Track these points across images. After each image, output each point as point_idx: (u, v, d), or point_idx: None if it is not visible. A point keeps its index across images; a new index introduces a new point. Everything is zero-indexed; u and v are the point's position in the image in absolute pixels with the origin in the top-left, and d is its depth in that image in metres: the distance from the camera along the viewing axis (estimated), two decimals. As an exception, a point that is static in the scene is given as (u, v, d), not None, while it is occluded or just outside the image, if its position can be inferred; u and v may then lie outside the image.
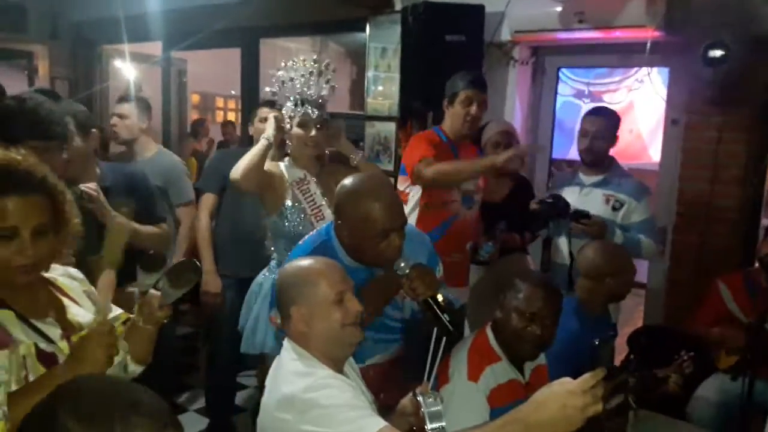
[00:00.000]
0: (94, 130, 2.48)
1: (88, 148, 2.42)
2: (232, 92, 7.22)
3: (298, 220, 2.57)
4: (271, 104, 3.28)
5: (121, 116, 3.36)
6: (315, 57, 2.63)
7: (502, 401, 1.96)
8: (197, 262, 1.61)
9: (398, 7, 3.92)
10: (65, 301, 1.52)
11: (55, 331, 1.42)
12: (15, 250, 1.33)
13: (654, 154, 5.55)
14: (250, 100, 5.03)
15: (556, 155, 4.16)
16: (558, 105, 4.12)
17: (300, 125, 2.54)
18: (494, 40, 3.71)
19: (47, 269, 1.47)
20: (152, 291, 1.54)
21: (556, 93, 4.05)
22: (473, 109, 2.80)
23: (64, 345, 1.43)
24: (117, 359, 1.45)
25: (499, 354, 2.06)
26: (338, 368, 1.61)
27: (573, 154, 4.26)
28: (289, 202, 2.57)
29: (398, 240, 1.82)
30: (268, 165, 2.61)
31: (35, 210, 1.35)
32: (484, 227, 3.08)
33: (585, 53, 3.82)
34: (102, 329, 1.37)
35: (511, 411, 1.35)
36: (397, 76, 3.91)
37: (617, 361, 2.65)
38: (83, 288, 1.60)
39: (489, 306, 2.19)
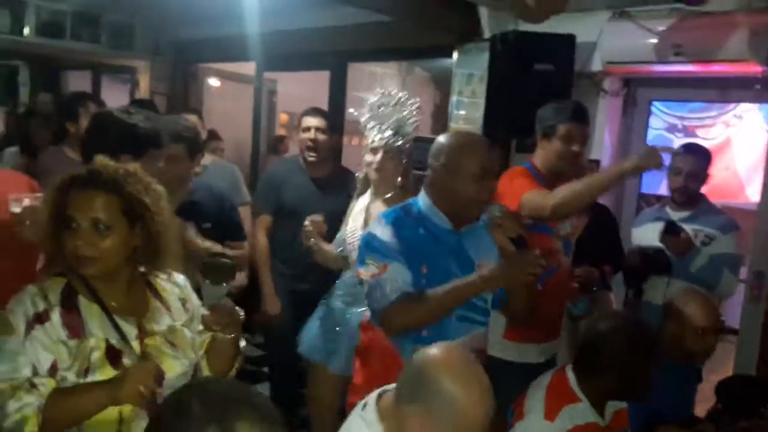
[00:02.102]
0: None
1: (191, 164, 2.57)
2: (317, 112, 7.39)
3: (341, 247, 2.67)
4: (318, 112, 3.37)
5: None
6: (404, 92, 2.69)
7: (579, 443, 1.90)
8: (230, 260, 1.66)
9: (486, 35, 3.92)
10: (156, 304, 1.60)
11: (132, 331, 1.51)
12: (76, 240, 1.44)
13: (752, 193, 5.26)
14: (336, 120, 5.14)
15: (645, 189, 4.00)
16: (649, 138, 3.98)
17: (371, 149, 2.60)
18: (584, 70, 3.64)
19: (114, 267, 1.51)
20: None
21: (647, 126, 3.92)
22: (576, 146, 2.50)
23: (136, 345, 1.51)
24: (182, 369, 1.55)
25: (579, 395, 2.00)
26: None
27: (664, 188, 4.10)
28: (343, 228, 2.69)
29: (492, 184, 1.94)
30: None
31: (94, 205, 1.45)
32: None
33: (680, 86, 3.68)
34: (146, 368, 1.43)
35: None
36: (481, 102, 3.91)
37: (703, 411, 2.50)
38: (181, 296, 1.66)
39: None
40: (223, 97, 6.93)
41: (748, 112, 5.39)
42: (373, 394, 1.51)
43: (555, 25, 3.32)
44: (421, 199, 2.03)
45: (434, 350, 1.41)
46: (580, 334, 2.11)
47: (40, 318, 1.42)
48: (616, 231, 3.33)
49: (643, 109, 3.88)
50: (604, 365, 1.94)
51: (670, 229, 2.72)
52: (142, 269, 1.61)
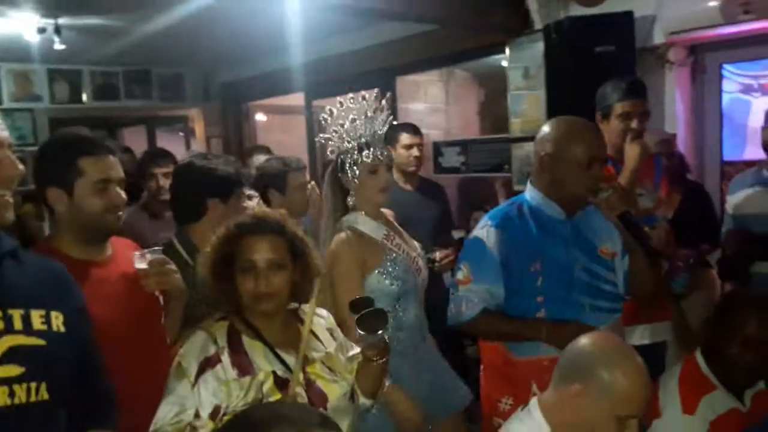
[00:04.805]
0: None
1: None
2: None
3: (402, 275, 2.18)
4: (416, 130, 3.49)
5: None
6: (371, 94, 2.29)
7: (727, 434, 1.82)
8: (382, 309, 1.69)
9: (538, 26, 3.85)
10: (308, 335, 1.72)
11: (292, 361, 1.62)
12: (255, 281, 1.57)
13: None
14: (389, 134, 5.13)
15: (727, 157, 3.82)
16: (724, 103, 3.81)
17: (371, 171, 2.19)
18: (646, 44, 3.52)
19: (284, 301, 1.65)
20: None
21: (721, 91, 3.76)
22: (633, 123, 2.48)
23: (298, 373, 1.62)
24: (342, 391, 1.66)
25: (713, 382, 1.91)
26: None
27: (748, 154, 3.92)
28: (388, 262, 2.18)
29: (600, 171, 1.89)
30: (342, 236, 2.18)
31: (268, 247, 1.59)
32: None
33: (751, 45, 3.51)
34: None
35: None
36: (541, 93, 3.84)
37: None
38: (327, 326, 1.79)
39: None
40: (273, 130, 7.03)
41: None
42: (533, 400, 1.55)
43: (610, 5, 3.22)
44: (529, 193, 2.00)
45: (589, 337, 1.49)
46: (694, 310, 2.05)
47: (211, 361, 1.54)
48: (712, 207, 3.21)
49: (714, 74, 3.73)
50: (733, 340, 1.86)
51: None
52: (293, 305, 1.72)
